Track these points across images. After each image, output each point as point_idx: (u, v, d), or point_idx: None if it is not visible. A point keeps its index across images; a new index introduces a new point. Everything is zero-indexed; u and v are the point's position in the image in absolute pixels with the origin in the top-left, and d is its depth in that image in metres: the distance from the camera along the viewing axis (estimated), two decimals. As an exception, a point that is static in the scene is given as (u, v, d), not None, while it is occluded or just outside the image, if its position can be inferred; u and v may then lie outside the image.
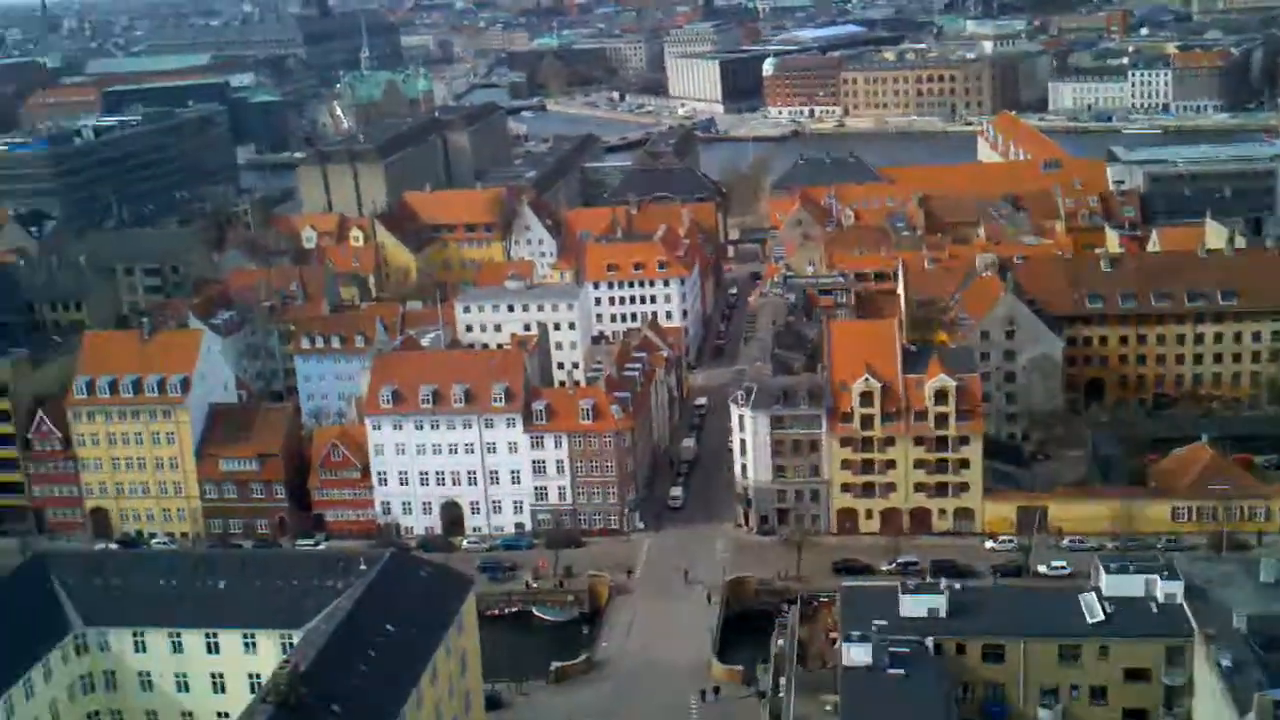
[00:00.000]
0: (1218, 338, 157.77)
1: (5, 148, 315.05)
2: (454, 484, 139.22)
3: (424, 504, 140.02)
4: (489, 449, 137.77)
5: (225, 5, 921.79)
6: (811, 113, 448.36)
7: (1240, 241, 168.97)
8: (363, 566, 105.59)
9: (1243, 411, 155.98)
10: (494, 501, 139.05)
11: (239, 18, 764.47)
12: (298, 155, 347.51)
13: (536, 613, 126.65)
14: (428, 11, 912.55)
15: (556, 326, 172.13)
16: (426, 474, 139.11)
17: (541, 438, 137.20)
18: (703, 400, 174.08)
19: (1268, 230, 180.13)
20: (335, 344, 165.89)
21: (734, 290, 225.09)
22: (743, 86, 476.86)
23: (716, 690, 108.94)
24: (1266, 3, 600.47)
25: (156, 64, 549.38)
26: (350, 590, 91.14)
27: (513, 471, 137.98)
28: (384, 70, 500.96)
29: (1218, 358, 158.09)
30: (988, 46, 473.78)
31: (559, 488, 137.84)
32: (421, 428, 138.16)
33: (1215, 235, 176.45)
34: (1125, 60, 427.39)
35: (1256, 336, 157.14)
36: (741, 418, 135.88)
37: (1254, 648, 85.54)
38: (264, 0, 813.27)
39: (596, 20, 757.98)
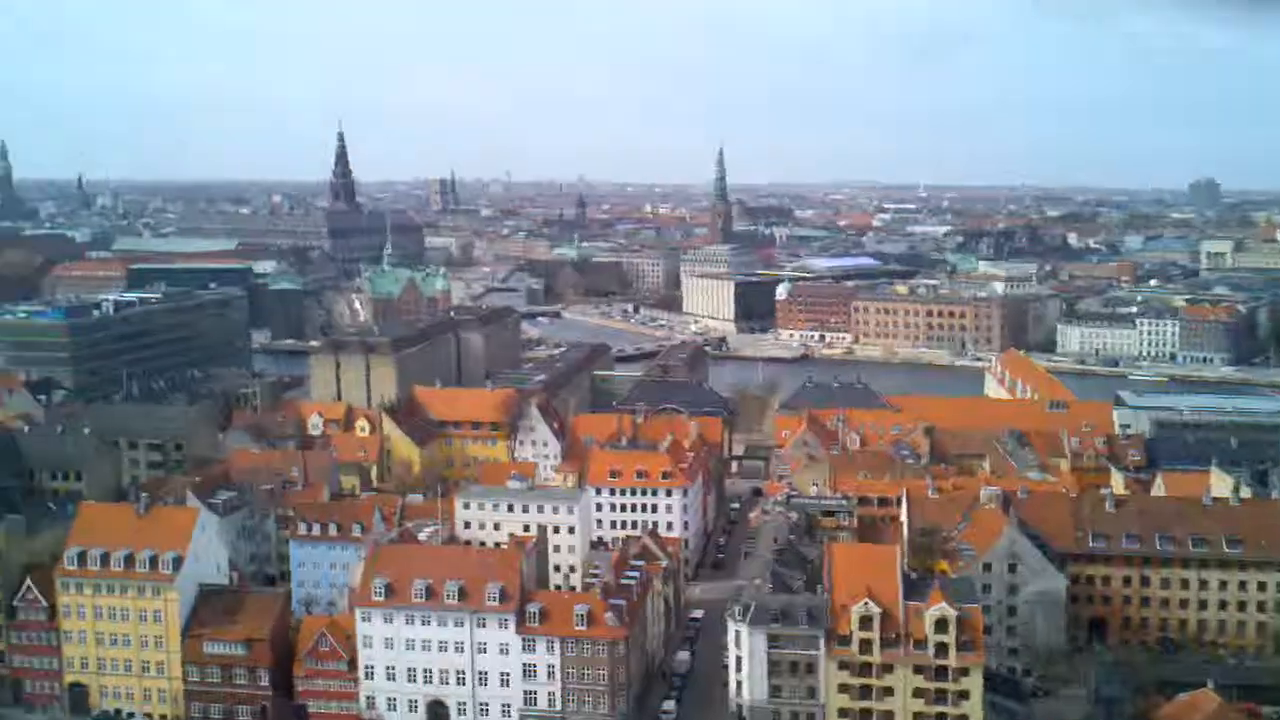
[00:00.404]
0: (1222, 585, 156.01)
1: (25, 315, 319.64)
2: (442, 683, 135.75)
3: (410, 701, 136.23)
4: (479, 649, 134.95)
5: (256, 195, 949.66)
6: (822, 338, 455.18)
7: (1246, 491, 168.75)
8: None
9: (1248, 661, 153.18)
10: (481, 704, 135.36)
11: (268, 208, 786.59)
12: (312, 343, 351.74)
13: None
14: (453, 215, 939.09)
15: (556, 529, 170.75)
16: (414, 670, 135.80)
17: (534, 641, 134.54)
18: (699, 613, 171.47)
19: (1273, 482, 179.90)
20: (332, 531, 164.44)
21: (736, 505, 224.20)
22: (756, 308, 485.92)
23: None
24: (1272, 265, 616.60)
25: (184, 246, 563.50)
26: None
27: (502, 674, 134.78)
28: (404, 268, 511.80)
29: (1223, 605, 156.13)
30: (999, 287, 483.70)
31: (549, 694, 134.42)
32: (412, 622, 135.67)
33: (1220, 484, 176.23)
34: (1134, 309, 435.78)
35: (1262, 587, 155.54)
36: (738, 633, 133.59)
37: None
38: (295, 193, 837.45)
39: (617, 235, 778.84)
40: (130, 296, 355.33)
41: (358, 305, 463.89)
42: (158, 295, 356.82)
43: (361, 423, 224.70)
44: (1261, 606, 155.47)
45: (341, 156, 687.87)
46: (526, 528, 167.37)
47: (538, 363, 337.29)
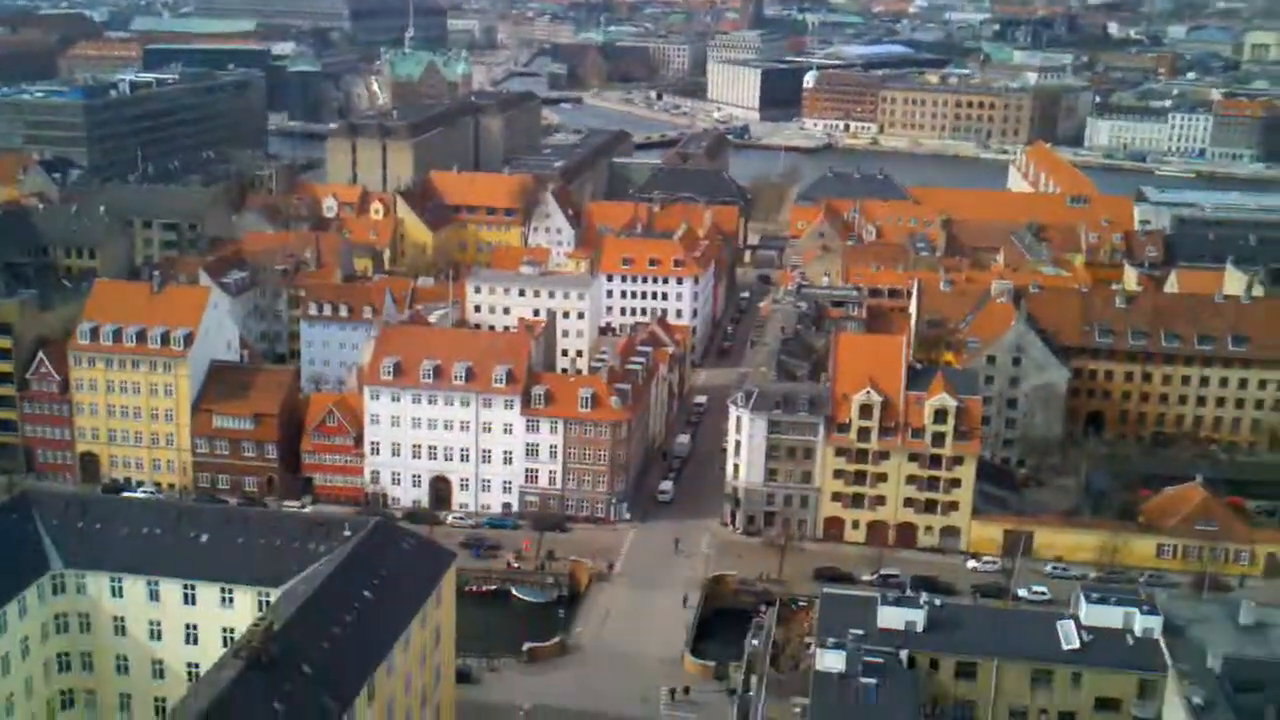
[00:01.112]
0: (1223, 382, 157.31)
1: (41, 95, 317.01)
2: (445, 459, 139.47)
3: (414, 476, 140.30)
4: (484, 428, 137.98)
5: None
6: (847, 127, 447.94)
7: (1258, 290, 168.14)
8: (346, 532, 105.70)
9: (1240, 456, 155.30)
10: (483, 480, 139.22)
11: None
12: (329, 126, 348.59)
13: (515, 593, 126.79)
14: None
15: (566, 315, 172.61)
16: (419, 447, 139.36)
17: (538, 422, 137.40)
18: (703, 399, 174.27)
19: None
20: (343, 312, 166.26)
21: (746, 294, 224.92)
22: (782, 96, 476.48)
23: (686, 690, 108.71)
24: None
25: (202, 26, 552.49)
26: (332, 555, 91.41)
27: (505, 452, 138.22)
28: (425, 50, 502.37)
29: (1220, 402, 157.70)
30: (1031, 77, 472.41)
31: (550, 472, 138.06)
32: (419, 401, 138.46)
33: (1234, 281, 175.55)
34: (1168, 102, 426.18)
35: (1262, 384, 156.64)
36: (739, 419, 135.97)
37: (1226, 688, 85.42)
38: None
39: (644, 19, 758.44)
40: (147, 77, 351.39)
41: (377, 88, 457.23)
42: (174, 76, 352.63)
43: (376, 206, 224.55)
44: (1260, 404, 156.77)
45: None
46: (536, 312, 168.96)
47: (556, 149, 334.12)
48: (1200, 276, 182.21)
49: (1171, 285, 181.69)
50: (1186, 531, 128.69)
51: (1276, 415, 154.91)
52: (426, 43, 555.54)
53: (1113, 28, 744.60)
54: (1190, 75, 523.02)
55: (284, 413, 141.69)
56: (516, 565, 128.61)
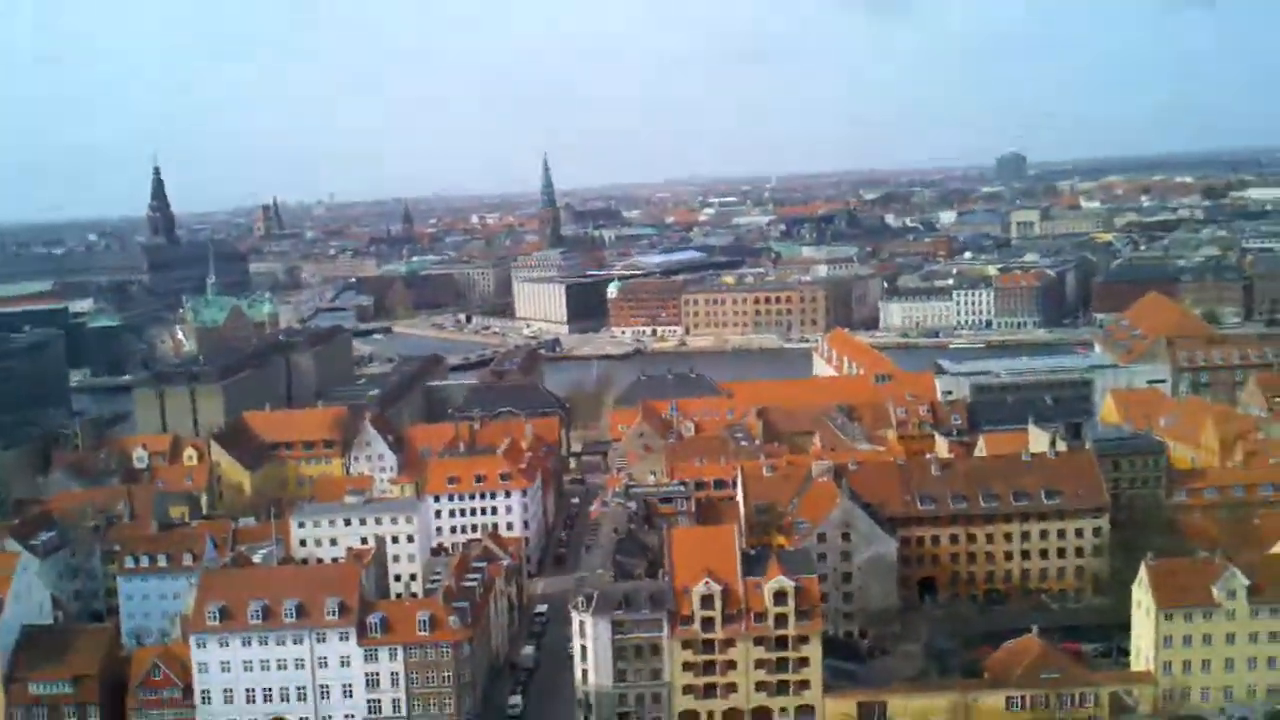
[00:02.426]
0: (1042, 534, 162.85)
1: None
2: (282, 700, 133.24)
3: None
4: (320, 663, 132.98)
5: (72, 235, 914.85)
6: (654, 332, 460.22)
7: (1061, 445, 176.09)
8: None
9: (1069, 604, 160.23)
10: (324, 717, 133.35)
11: (84, 246, 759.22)
12: (134, 377, 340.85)
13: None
14: (278, 241, 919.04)
15: (395, 540, 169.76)
16: (253, 691, 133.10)
17: (376, 651, 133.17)
18: (543, 608, 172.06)
19: (1086, 434, 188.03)
20: (161, 562, 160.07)
21: (576, 500, 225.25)
22: (588, 308, 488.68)
23: None
24: (1078, 230, 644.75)
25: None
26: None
27: (345, 685, 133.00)
28: (229, 296, 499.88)
29: (1043, 553, 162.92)
30: (822, 270, 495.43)
31: (393, 700, 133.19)
32: (250, 644, 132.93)
33: (1037, 440, 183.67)
34: (950, 281, 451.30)
35: (1079, 533, 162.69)
36: (582, 623, 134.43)
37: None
38: (111, 230, 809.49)
39: (446, 248, 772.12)
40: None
41: (181, 336, 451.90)
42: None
43: (189, 452, 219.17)
44: (1080, 551, 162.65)
45: (158, 189, 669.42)
46: (365, 541, 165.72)
47: (371, 378, 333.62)
48: (1005, 438, 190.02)
49: (980, 449, 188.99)
50: (1031, 682, 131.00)
51: (1096, 560, 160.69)
52: (229, 288, 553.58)
53: (890, 218, 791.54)
54: (967, 255, 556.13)
55: (105, 672, 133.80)
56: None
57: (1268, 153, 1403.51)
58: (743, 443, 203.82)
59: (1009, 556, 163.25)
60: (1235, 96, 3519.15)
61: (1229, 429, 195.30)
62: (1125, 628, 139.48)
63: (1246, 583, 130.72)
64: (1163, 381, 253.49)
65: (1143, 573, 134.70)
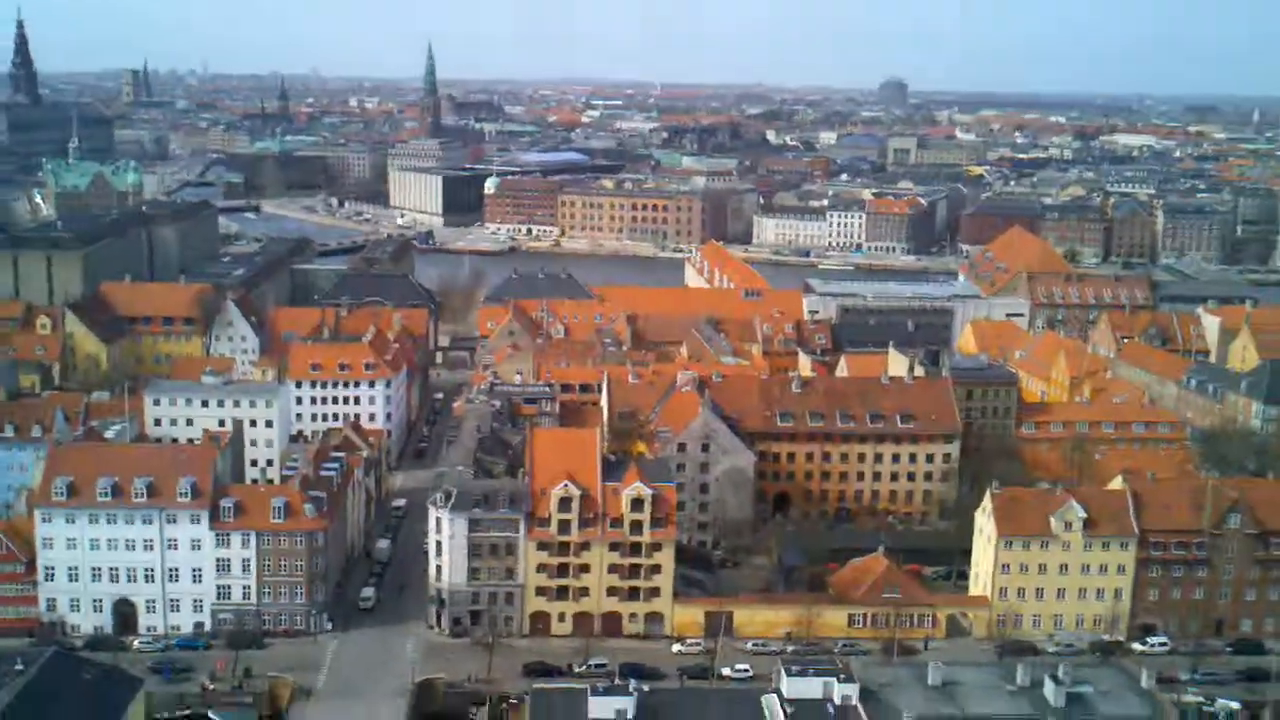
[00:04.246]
0: (895, 457, 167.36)
1: None
2: (129, 581, 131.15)
3: (94, 601, 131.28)
4: (170, 545, 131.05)
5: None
6: (529, 231, 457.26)
7: (919, 370, 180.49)
8: (19, 666, 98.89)
9: (915, 526, 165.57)
10: (172, 600, 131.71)
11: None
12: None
13: (212, 716, 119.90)
14: (146, 108, 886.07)
15: (253, 424, 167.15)
16: (99, 570, 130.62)
17: (228, 535, 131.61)
18: (402, 502, 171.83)
19: (944, 361, 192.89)
20: (8, 432, 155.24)
21: (440, 396, 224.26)
22: (464, 202, 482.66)
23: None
24: (952, 161, 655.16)
25: None
26: (3, 691, 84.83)
27: (195, 569, 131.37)
28: (92, 161, 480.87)
29: (894, 476, 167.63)
30: (700, 181, 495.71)
31: (244, 587, 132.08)
32: (97, 522, 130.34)
33: (897, 364, 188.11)
34: (825, 202, 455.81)
35: (930, 458, 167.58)
36: (439, 520, 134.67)
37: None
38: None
39: (321, 129, 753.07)
40: None
41: (39, 200, 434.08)
42: None
43: (42, 320, 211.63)
44: (929, 476, 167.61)
45: (21, 46, 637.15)
46: (222, 423, 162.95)
47: (236, 258, 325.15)
48: (867, 360, 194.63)
49: (842, 370, 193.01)
50: (873, 600, 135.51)
51: (945, 485, 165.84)
52: (93, 153, 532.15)
53: (770, 135, 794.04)
54: (843, 177, 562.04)
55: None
56: (212, 687, 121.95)
57: (1139, 99, 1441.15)
58: (610, 348, 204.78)
59: (861, 477, 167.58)
60: (1115, 43, 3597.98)
61: (1079, 366, 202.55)
62: (968, 553, 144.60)
63: (1083, 515, 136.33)
64: (1021, 315, 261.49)
65: (987, 500, 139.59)
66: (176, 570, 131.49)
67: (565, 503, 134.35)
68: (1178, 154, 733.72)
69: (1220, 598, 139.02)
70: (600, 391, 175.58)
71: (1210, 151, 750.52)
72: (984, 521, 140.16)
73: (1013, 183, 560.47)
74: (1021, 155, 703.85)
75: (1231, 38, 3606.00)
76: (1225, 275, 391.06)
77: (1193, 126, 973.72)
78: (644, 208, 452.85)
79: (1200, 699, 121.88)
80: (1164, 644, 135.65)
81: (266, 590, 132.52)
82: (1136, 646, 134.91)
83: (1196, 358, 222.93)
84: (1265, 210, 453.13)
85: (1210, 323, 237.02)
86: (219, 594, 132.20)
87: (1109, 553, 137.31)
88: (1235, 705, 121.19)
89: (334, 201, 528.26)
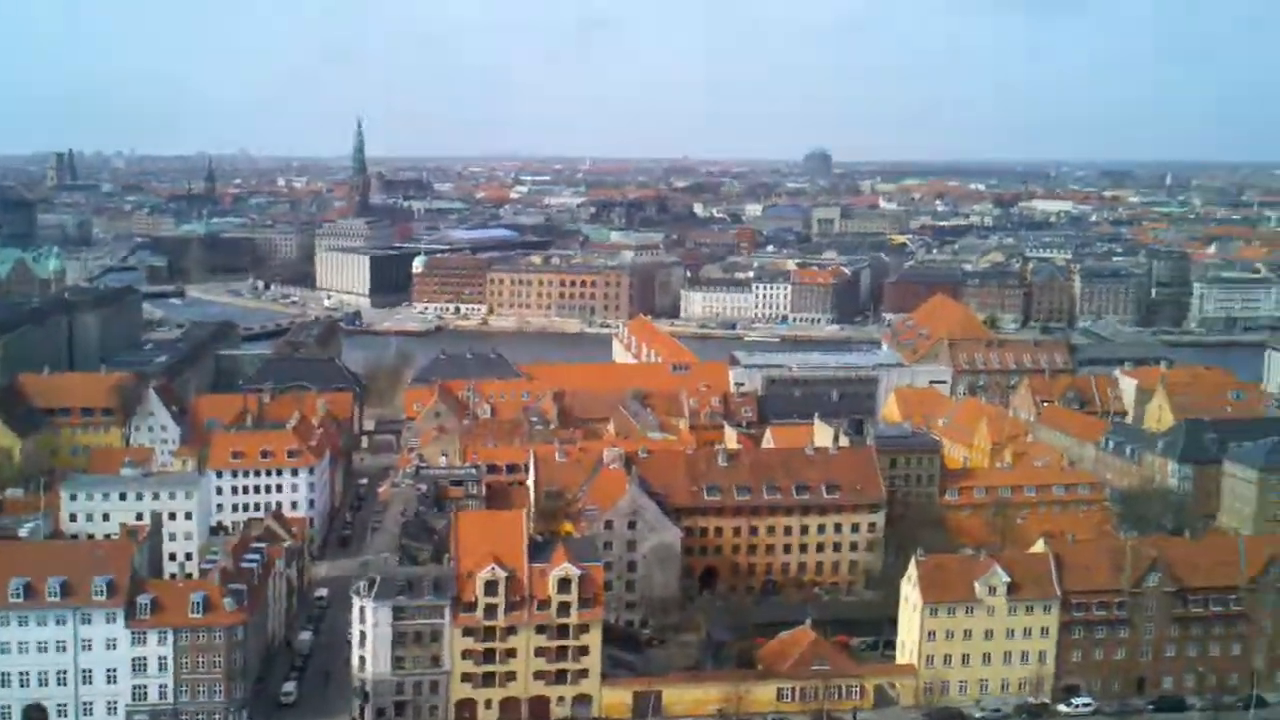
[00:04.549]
0: (820, 528, 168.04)
1: None
2: (41, 684, 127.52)
3: (2, 709, 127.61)
4: (84, 646, 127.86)
5: None
6: (458, 310, 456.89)
7: (844, 440, 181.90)
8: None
9: (841, 597, 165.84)
10: (85, 703, 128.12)
11: None
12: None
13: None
14: (71, 192, 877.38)
15: (173, 517, 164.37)
16: (8, 675, 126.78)
17: (144, 634, 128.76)
18: (324, 592, 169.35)
19: (868, 430, 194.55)
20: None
21: (365, 481, 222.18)
22: (392, 282, 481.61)
23: None
24: (875, 230, 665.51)
25: None
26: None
27: (109, 670, 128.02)
28: (13, 248, 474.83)
29: (820, 547, 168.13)
30: (628, 255, 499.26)
31: (160, 686, 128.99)
32: (8, 624, 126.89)
33: (822, 434, 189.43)
34: (751, 274, 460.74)
35: (855, 527, 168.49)
36: (363, 609, 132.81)
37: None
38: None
39: (248, 210, 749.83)
40: None
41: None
42: None
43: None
44: (855, 546, 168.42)
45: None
46: (140, 517, 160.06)
47: (159, 344, 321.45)
48: (792, 431, 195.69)
49: (768, 441, 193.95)
50: (801, 673, 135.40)
51: (871, 555, 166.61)
52: (14, 239, 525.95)
53: (698, 208, 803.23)
54: (769, 248, 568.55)
55: None
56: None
57: (1055, 165, 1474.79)
58: (537, 427, 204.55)
59: (788, 549, 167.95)
60: (1032, 110, 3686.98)
61: (1000, 431, 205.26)
62: (895, 622, 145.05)
63: (1007, 580, 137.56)
64: (943, 382, 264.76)
65: (912, 568, 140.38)
66: (90, 671, 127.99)
67: (491, 586, 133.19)
68: (1094, 218, 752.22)
69: (1141, 656, 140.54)
70: (527, 471, 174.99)
71: (1125, 215, 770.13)
72: (909, 590, 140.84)
73: (934, 250, 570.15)
74: (943, 223, 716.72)
75: (1144, 102, 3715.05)
76: (1141, 337, 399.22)
77: (1108, 191, 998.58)
78: (572, 283, 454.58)
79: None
80: (1088, 704, 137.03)
81: (184, 689, 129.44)
82: (1061, 708, 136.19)
83: (1114, 419, 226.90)
84: (1178, 272, 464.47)
85: (1127, 385, 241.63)
86: (134, 695, 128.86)
87: (1032, 616, 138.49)
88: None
89: (260, 284, 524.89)
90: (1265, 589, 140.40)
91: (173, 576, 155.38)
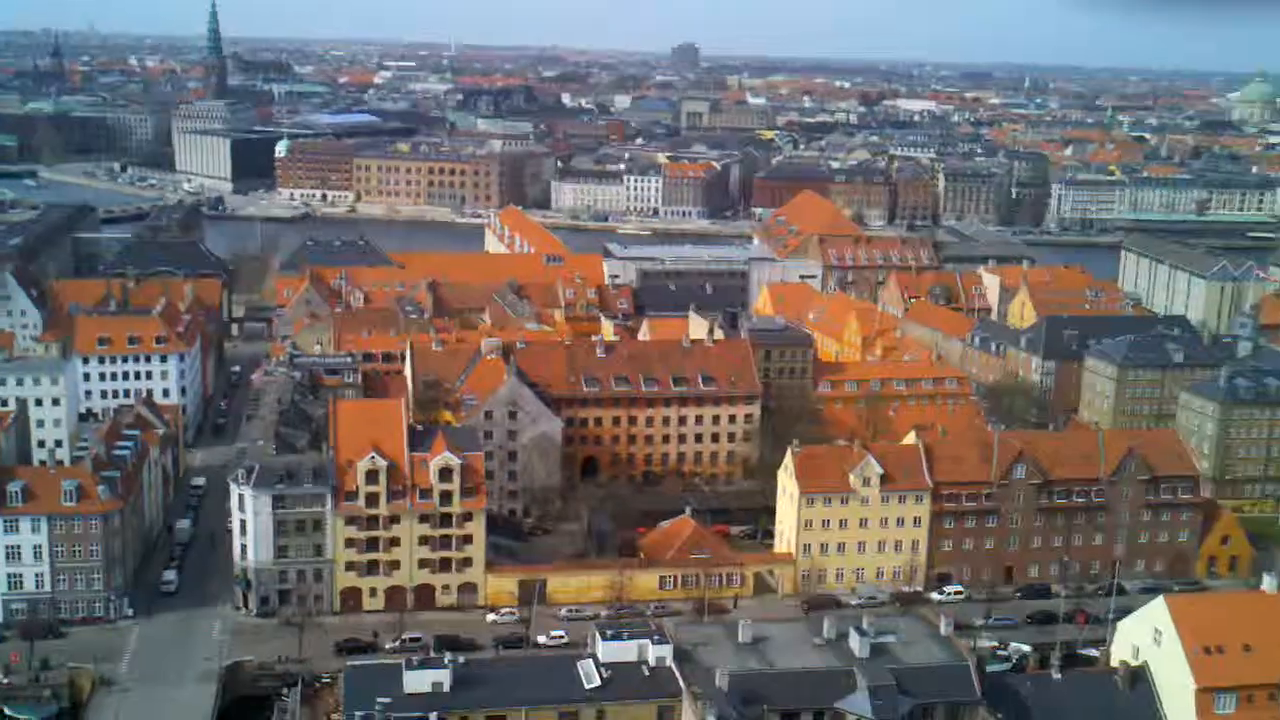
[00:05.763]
0: (698, 419, 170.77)
1: None
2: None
3: None
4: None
5: None
6: (324, 196, 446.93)
7: (718, 333, 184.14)
8: None
9: (720, 487, 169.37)
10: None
11: None
12: None
13: (8, 711, 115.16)
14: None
15: (39, 403, 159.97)
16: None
17: (16, 521, 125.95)
18: (201, 480, 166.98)
19: (742, 324, 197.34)
20: None
21: (237, 368, 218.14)
22: (255, 166, 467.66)
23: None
24: (744, 125, 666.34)
25: None
26: None
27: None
28: None
29: (698, 437, 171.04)
30: (497, 145, 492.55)
31: (36, 574, 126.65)
32: None
33: (697, 327, 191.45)
34: (622, 166, 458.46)
35: (732, 419, 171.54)
36: (242, 497, 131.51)
37: (735, 704, 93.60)
38: None
39: (101, 89, 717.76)
40: None
41: None
42: None
43: None
44: (732, 437, 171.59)
45: None
46: (4, 403, 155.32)
47: (12, 227, 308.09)
48: (668, 324, 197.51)
49: (644, 334, 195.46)
50: (683, 562, 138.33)
51: (747, 445, 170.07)
52: None
53: (566, 98, 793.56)
54: (639, 141, 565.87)
55: None
56: (6, 681, 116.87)
57: (918, 66, 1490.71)
58: (413, 316, 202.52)
59: (667, 440, 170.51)
60: (893, 11, 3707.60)
61: (870, 326, 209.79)
62: (772, 511, 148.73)
63: (880, 471, 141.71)
64: (814, 277, 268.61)
65: (788, 459, 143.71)
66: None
67: (372, 475, 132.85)
68: (955, 119, 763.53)
69: (1009, 546, 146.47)
70: (403, 361, 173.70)
71: (985, 117, 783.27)
72: (786, 480, 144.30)
73: (802, 147, 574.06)
74: (810, 120, 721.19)
75: (1005, 7, 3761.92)
76: (1002, 236, 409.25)
77: (969, 93, 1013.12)
78: (441, 171, 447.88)
79: (994, 643, 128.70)
80: (959, 592, 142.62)
81: (61, 577, 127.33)
82: (934, 596, 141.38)
83: (979, 315, 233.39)
84: (1037, 173, 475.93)
85: (991, 282, 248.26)
86: (10, 583, 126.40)
87: (905, 506, 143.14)
88: (1026, 648, 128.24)
89: (116, 166, 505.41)
90: (1123, 481, 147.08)
91: (43, 464, 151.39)
